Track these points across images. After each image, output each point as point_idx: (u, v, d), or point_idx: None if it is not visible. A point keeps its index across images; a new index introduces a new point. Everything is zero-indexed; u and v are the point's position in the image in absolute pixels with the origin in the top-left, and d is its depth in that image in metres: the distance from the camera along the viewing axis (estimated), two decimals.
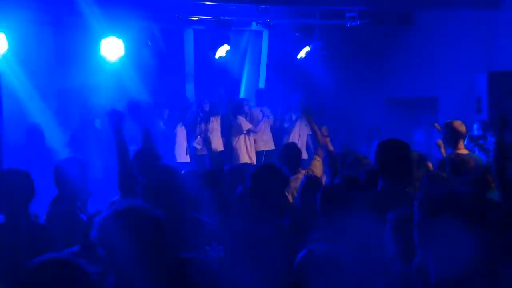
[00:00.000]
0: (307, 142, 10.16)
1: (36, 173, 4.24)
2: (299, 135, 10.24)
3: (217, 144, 9.99)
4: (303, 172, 5.70)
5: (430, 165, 5.47)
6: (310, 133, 9.30)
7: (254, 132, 10.28)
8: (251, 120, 10.25)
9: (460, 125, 5.93)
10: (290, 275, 2.97)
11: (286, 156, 5.80)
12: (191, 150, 9.81)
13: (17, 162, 7.99)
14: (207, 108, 9.83)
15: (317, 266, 2.69)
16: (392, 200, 3.81)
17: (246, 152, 10.10)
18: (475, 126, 8.02)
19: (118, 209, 2.44)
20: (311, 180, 4.90)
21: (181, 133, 9.62)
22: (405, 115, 10.58)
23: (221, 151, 9.94)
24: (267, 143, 10.46)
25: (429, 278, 2.40)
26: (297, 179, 5.31)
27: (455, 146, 5.86)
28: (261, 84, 11.24)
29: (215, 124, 9.96)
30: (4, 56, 8.61)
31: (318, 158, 5.86)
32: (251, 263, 3.40)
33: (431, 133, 9.52)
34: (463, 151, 5.79)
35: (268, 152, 10.44)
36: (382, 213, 3.85)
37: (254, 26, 10.38)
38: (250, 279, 3.42)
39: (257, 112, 10.48)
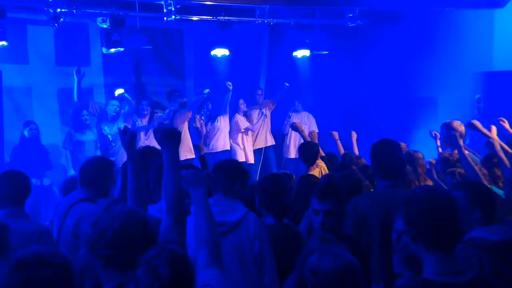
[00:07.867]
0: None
1: (33, 171, 4.28)
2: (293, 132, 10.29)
3: (226, 143, 9.99)
4: (317, 169, 6.15)
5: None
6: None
7: (252, 130, 10.30)
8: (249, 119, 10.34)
9: (459, 125, 5.94)
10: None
11: (303, 152, 6.25)
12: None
13: (17, 161, 8.03)
14: (210, 107, 9.84)
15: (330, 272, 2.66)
16: (390, 199, 3.83)
17: (243, 151, 10.11)
18: None
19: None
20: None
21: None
22: (404, 115, 10.56)
23: (227, 150, 9.96)
24: (266, 142, 10.49)
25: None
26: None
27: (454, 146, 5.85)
28: (261, 84, 11.24)
29: (222, 123, 9.95)
30: (4, 54, 8.63)
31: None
32: None
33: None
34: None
35: (266, 148, 10.49)
36: (380, 211, 3.88)
37: (254, 26, 10.37)
38: None
39: (255, 111, 10.50)
